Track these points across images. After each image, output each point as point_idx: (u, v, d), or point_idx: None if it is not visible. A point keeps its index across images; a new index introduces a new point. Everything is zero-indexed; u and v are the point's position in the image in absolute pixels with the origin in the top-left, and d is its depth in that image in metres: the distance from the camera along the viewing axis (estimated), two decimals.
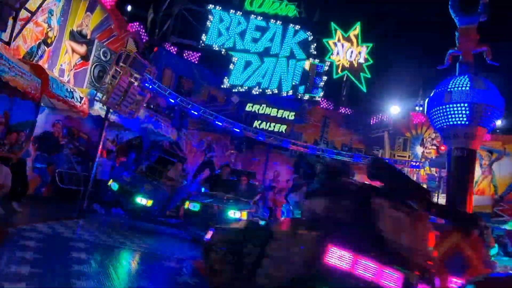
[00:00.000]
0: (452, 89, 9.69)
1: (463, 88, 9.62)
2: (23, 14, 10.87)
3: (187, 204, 10.11)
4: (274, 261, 4.09)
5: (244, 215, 9.58)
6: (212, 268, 4.88)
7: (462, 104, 9.66)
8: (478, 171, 18.78)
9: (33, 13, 11.10)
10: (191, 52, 22.37)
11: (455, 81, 9.87)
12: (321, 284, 3.58)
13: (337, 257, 3.56)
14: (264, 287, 4.05)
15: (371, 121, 24.30)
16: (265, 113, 22.86)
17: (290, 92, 23.34)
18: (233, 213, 9.58)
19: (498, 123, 18.06)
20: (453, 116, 9.66)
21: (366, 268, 3.55)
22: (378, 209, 3.92)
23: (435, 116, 10.01)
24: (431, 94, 10.46)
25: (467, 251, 5.08)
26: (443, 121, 9.80)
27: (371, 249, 3.68)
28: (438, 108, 9.87)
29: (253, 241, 4.53)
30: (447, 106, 9.62)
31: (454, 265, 4.85)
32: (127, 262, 6.42)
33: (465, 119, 9.56)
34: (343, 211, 4.09)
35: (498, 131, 20.84)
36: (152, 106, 17.41)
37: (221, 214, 9.52)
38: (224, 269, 4.67)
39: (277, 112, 22.97)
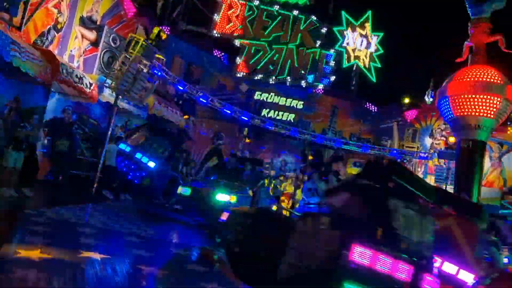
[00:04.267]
0: (462, 80, 9.60)
1: (473, 80, 9.53)
2: None
3: (179, 189, 10.67)
4: (297, 252, 4.42)
5: (233, 198, 9.90)
6: (229, 249, 5.06)
7: (472, 96, 9.57)
8: (487, 163, 18.61)
9: None
10: (200, 40, 22.30)
11: (465, 73, 9.78)
12: (344, 279, 3.89)
13: (359, 254, 3.93)
14: (285, 276, 4.35)
15: (381, 111, 24.15)
16: (274, 101, 22.83)
17: (299, 81, 23.24)
18: (221, 197, 9.89)
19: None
20: (463, 107, 9.59)
21: (384, 263, 3.96)
22: (394, 209, 4.25)
23: (444, 107, 9.95)
24: (442, 85, 10.37)
25: (458, 234, 5.22)
26: (453, 112, 9.74)
27: (387, 245, 4.04)
28: (447, 98, 9.80)
29: (267, 227, 4.87)
30: (457, 97, 9.55)
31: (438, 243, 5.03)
32: (135, 249, 6.49)
33: (474, 110, 9.48)
34: (363, 210, 4.38)
35: (509, 123, 20.60)
36: (161, 93, 17.43)
37: (210, 197, 9.86)
38: (240, 251, 5.00)
39: (286, 101, 22.93)
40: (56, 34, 12.65)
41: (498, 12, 10.45)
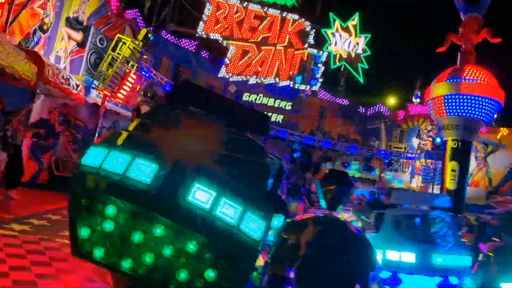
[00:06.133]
0: (452, 80, 9.69)
1: (463, 80, 9.62)
2: None
3: None
4: None
5: None
6: None
7: (460, 96, 9.67)
8: (473, 163, 18.86)
9: None
10: (188, 41, 22.22)
11: (455, 72, 9.87)
12: None
13: None
14: None
15: (368, 112, 24.35)
16: (262, 102, 22.87)
17: (288, 82, 23.29)
18: None
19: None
20: (451, 107, 9.68)
21: None
22: None
23: (432, 108, 10.04)
24: (431, 84, 10.45)
25: None
26: (441, 112, 9.82)
27: None
28: (434, 99, 9.88)
29: None
30: (446, 97, 9.63)
31: None
32: None
33: (463, 111, 9.58)
34: None
35: (494, 123, 20.90)
36: (148, 95, 17.33)
37: None
38: None
39: (274, 102, 23.00)
40: (42, 35, 12.49)
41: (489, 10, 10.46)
